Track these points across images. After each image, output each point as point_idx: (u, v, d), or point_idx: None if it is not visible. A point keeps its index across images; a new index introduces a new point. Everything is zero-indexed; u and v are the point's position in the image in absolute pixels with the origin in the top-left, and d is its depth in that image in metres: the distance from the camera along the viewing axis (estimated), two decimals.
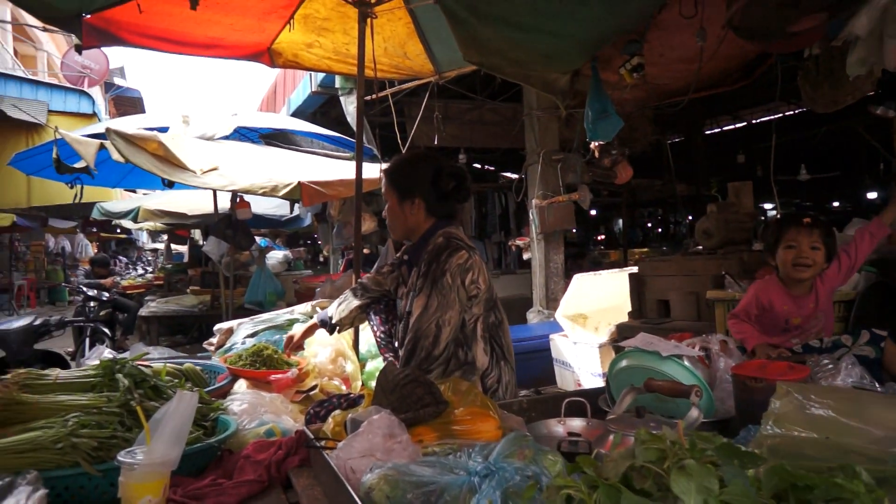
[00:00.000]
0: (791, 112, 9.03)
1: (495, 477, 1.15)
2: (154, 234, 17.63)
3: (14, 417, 1.50)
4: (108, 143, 4.02)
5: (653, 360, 1.71)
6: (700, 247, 4.03)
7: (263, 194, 4.29)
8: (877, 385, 1.60)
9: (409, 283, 2.17)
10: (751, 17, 2.65)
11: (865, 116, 7.61)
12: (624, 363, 1.80)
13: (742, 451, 0.77)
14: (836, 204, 17.84)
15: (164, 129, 4.91)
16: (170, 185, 5.47)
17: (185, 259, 12.98)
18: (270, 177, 4.24)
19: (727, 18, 2.82)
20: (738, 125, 11.09)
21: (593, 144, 4.84)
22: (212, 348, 3.32)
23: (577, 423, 1.72)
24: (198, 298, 7.86)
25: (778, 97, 5.74)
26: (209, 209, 7.29)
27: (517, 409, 1.90)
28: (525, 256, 6.90)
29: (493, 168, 13.05)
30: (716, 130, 11.31)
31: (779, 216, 2.32)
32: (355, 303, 2.33)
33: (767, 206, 13.39)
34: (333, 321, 2.36)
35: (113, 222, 11.08)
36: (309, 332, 2.50)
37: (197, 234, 11.74)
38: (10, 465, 1.33)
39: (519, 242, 7.07)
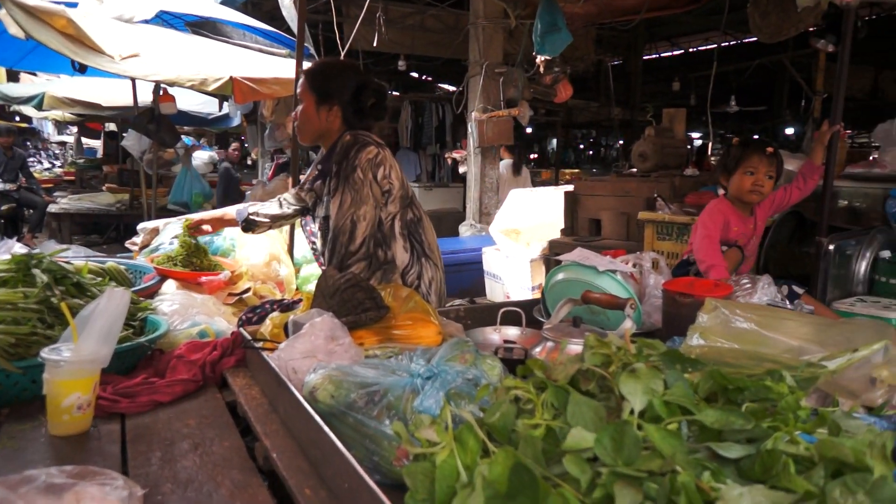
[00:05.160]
0: (727, 43, 9.17)
1: (438, 379, 1.18)
2: (61, 126, 16.23)
3: None
4: (3, 14, 3.56)
5: (589, 274, 1.76)
6: (634, 169, 4.14)
7: (192, 88, 4.00)
8: (787, 303, 1.74)
9: (324, 192, 2.11)
10: None
11: (795, 53, 7.84)
12: (561, 276, 1.85)
13: (684, 357, 0.81)
14: (755, 137, 18.61)
15: (72, 5, 4.41)
16: (81, 69, 4.99)
17: (100, 154, 12.14)
18: (199, 69, 3.94)
19: None
20: (675, 52, 11.18)
21: (539, 59, 4.75)
22: (135, 248, 3.15)
23: (512, 332, 1.78)
24: (115, 197, 7.46)
25: (724, 26, 5.78)
26: (128, 101, 6.75)
27: (454, 317, 1.95)
28: (461, 170, 6.88)
29: (430, 78, 12.69)
30: (654, 56, 11.36)
31: (738, 141, 2.36)
32: (276, 212, 2.22)
33: (694, 134, 13.81)
34: (252, 219, 2.21)
35: (11, 108, 10.07)
36: (218, 221, 2.36)
37: (112, 127, 10.92)
38: None
39: (455, 155, 7.03)
